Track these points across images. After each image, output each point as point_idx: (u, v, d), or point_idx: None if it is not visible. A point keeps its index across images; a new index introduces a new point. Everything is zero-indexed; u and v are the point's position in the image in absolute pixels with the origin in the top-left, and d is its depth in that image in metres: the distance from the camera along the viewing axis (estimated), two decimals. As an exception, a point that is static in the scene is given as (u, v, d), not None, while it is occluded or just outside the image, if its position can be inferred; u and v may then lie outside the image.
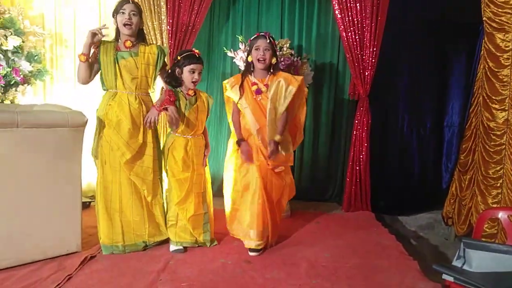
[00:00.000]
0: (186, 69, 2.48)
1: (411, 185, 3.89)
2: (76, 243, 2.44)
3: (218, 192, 3.75)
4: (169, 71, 2.57)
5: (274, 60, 2.59)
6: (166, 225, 2.62)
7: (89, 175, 3.43)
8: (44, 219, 2.30)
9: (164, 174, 2.66)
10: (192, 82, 2.49)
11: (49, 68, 3.55)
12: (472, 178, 3.15)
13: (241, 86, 2.61)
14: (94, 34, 2.37)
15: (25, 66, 3.30)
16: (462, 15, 3.50)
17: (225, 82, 2.71)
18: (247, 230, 2.57)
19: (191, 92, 2.53)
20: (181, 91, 2.55)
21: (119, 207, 2.50)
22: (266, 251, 2.62)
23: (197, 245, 2.63)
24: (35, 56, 3.37)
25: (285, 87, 2.57)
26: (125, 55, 2.46)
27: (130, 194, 2.51)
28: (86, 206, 3.27)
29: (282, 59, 3.21)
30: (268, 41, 2.55)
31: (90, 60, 2.44)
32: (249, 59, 2.62)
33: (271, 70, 2.63)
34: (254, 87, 2.60)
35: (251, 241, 2.55)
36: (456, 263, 1.84)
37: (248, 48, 2.67)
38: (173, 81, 2.54)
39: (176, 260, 2.42)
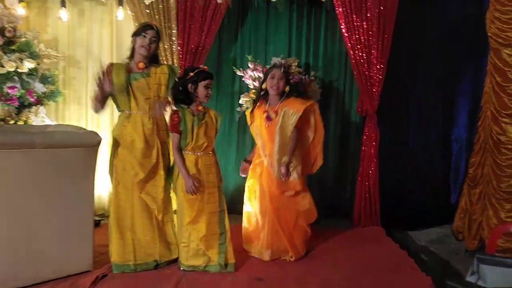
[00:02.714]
0: (202, 84, 2.50)
1: (420, 199, 3.87)
2: (88, 262, 2.45)
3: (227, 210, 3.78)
4: (180, 88, 2.54)
5: (287, 88, 2.77)
6: (177, 243, 2.59)
7: (98, 193, 3.48)
8: (57, 238, 2.32)
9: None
10: (206, 96, 2.53)
11: (61, 89, 3.63)
12: (482, 192, 3.13)
13: (252, 112, 2.85)
14: (101, 88, 2.45)
15: (39, 88, 3.37)
16: (468, 30, 3.55)
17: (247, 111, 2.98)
18: (262, 250, 2.74)
19: (200, 108, 2.54)
20: (189, 107, 2.53)
21: (130, 225, 2.52)
22: (280, 265, 2.66)
23: (208, 271, 2.51)
24: (49, 77, 3.44)
25: (290, 112, 2.70)
26: (137, 76, 2.51)
27: (142, 213, 2.53)
28: (96, 224, 3.28)
29: (290, 77, 3.26)
30: (282, 71, 2.77)
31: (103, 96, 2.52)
32: (264, 86, 2.81)
33: (283, 97, 2.78)
34: (265, 114, 2.79)
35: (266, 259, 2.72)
36: (471, 279, 1.84)
37: (260, 72, 2.99)
38: (185, 98, 2.52)
39: (187, 279, 2.42)
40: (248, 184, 2.94)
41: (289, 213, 2.76)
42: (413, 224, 3.70)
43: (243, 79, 3.61)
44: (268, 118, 2.76)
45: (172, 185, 2.63)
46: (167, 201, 2.58)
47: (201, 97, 2.52)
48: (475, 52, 3.38)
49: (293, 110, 2.70)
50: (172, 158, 2.69)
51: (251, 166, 2.91)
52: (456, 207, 3.45)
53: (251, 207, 2.89)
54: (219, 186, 2.61)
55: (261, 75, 3.49)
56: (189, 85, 2.50)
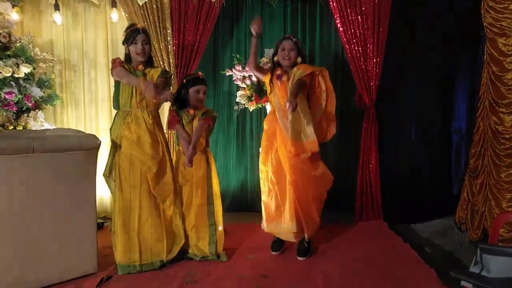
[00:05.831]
0: (192, 90, 2.73)
1: (422, 192, 3.87)
2: (93, 265, 2.46)
3: (229, 208, 3.79)
4: (176, 94, 2.81)
5: (299, 60, 2.72)
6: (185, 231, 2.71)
7: (99, 195, 3.47)
8: (61, 241, 2.33)
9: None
10: (197, 101, 2.75)
11: (59, 93, 3.63)
12: (484, 183, 3.14)
13: (271, 81, 2.77)
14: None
15: (36, 92, 3.37)
16: (463, 20, 3.55)
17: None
18: (285, 224, 2.69)
19: (191, 112, 2.74)
20: (185, 110, 2.76)
21: (137, 225, 2.54)
22: (284, 261, 2.67)
23: (207, 258, 2.70)
24: (46, 82, 3.44)
25: (299, 72, 2.66)
26: (138, 74, 2.57)
27: (150, 210, 2.56)
28: (99, 227, 3.29)
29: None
30: (292, 42, 2.71)
31: None
32: (275, 59, 2.79)
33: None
34: (278, 72, 2.74)
35: (290, 234, 2.70)
36: (474, 269, 1.83)
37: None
38: (178, 102, 2.77)
39: (192, 277, 2.43)
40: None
41: (307, 181, 2.68)
42: (416, 216, 3.71)
43: (233, 79, 3.61)
44: (279, 77, 2.72)
45: None
46: (175, 192, 2.65)
47: (192, 101, 2.74)
48: (472, 42, 3.38)
49: (301, 70, 2.67)
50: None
51: (263, 150, 2.83)
52: (458, 198, 3.45)
53: (267, 185, 2.80)
54: (208, 181, 2.76)
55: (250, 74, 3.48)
56: (183, 91, 2.77)
